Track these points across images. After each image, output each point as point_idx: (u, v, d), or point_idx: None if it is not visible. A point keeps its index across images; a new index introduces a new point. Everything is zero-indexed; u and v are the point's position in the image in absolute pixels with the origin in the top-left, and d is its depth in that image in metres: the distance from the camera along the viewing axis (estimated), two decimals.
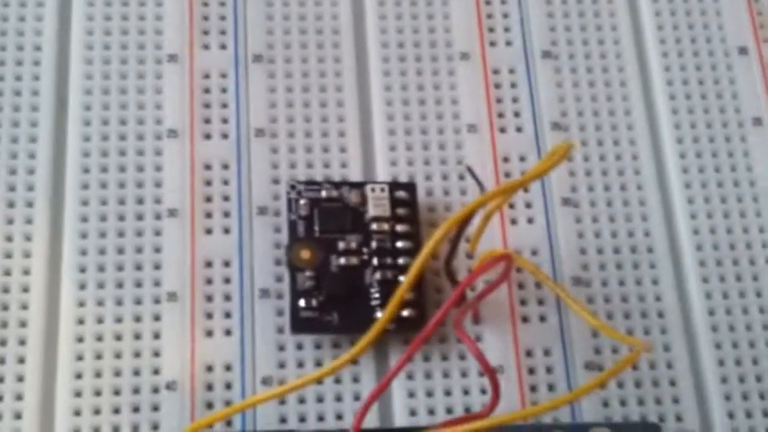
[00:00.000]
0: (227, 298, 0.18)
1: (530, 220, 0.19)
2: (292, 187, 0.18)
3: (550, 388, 0.18)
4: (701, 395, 0.18)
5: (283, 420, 0.17)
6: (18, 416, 0.17)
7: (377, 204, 0.18)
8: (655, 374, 0.18)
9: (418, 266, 0.15)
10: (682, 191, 0.20)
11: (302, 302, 0.18)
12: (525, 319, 0.18)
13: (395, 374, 0.16)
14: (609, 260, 0.19)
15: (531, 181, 0.17)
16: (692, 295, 0.19)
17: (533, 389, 0.18)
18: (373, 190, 0.18)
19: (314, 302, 0.18)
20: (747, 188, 0.20)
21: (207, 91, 0.19)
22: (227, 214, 0.19)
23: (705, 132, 0.20)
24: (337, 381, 0.18)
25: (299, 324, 0.17)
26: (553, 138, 0.20)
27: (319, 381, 0.17)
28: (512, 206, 0.19)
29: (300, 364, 0.18)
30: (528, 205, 0.19)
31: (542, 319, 0.18)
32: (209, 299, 0.18)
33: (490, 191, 0.17)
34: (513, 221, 0.19)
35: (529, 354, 0.18)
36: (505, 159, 0.19)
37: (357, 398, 0.17)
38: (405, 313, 0.18)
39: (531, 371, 0.18)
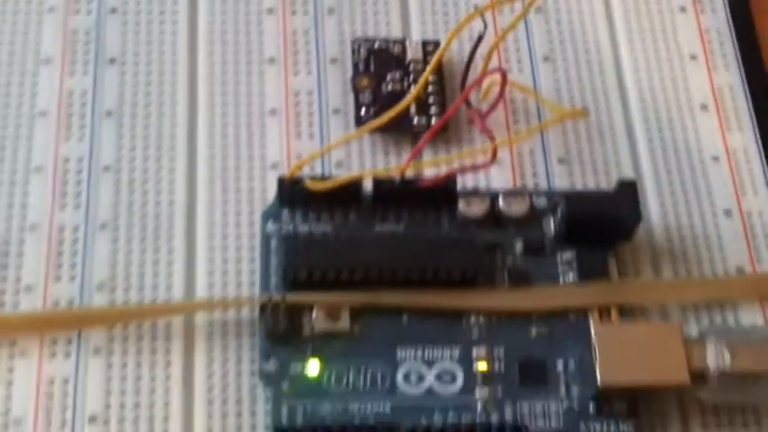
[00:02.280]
0: None
1: None
2: None
3: (534, 175, 0.26)
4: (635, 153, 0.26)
5: None
6: None
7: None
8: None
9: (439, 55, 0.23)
10: None
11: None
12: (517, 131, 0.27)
13: (421, 147, 0.24)
14: None
15: None
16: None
17: (522, 176, 0.26)
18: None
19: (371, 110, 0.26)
20: None
21: None
22: None
23: None
24: None
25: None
26: None
27: None
28: None
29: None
30: None
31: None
32: None
33: None
34: None
35: (519, 153, 0.26)
36: None
37: None
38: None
39: (521, 164, 0.26)
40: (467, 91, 0.25)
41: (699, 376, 0.22)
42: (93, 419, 0.23)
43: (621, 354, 0.22)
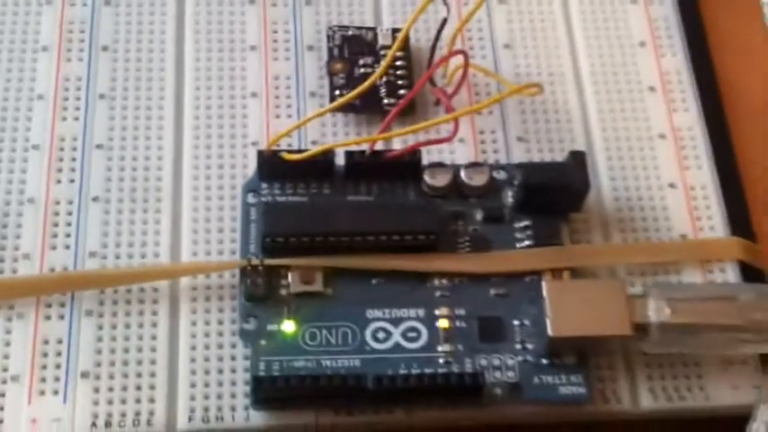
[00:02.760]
0: None
1: None
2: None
3: (495, 152, 0.28)
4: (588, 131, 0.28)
5: None
6: None
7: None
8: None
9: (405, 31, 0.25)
10: None
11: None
12: (480, 113, 0.28)
13: (390, 121, 0.26)
14: None
15: None
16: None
17: (484, 152, 0.28)
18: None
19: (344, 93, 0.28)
20: None
21: None
22: None
23: None
24: None
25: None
26: None
27: None
28: None
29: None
30: None
31: (491, 112, 0.28)
32: None
33: None
34: None
35: (481, 132, 0.28)
36: None
37: None
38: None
39: (483, 141, 0.28)
40: (432, 69, 0.27)
41: (641, 329, 0.24)
42: (84, 375, 0.25)
43: (570, 308, 0.24)
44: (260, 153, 0.27)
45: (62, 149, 0.28)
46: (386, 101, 0.28)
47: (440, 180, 0.27)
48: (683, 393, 0.25)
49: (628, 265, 0.27)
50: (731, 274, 0.27)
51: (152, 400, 0.25)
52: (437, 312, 0.25)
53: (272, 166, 0.27)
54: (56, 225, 0.27)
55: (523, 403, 0.25)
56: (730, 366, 0.26)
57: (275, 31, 0.30)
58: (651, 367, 0.26)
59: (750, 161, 0.29)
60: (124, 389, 0.25)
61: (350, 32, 0.29)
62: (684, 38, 0.30)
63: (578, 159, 0.26)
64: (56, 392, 0.25)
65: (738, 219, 0.28)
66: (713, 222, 0.28)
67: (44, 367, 0.25)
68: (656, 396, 0.25)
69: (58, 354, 0.25)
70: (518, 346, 0.25)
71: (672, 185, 0.28)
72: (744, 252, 0.27)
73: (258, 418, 0.25)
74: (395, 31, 0.29)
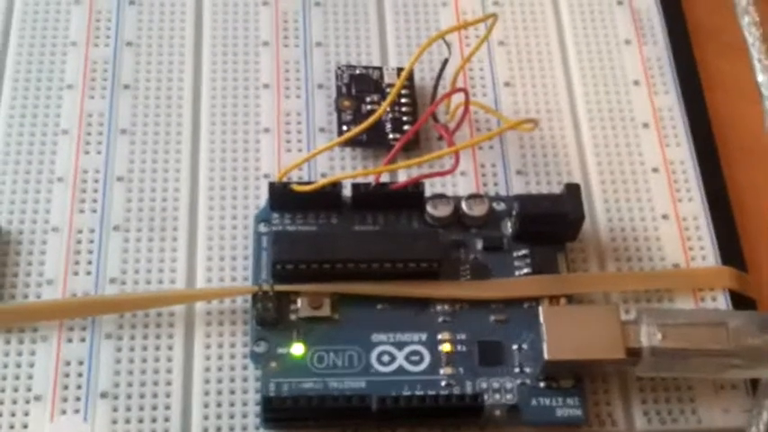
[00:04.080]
0: None
1: None
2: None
3: (496, 184, 0.29)
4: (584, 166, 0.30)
5: None
6: None
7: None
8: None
9: (408, 68, 0.27)
10: None
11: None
12: (481, 147, 0.30)
13: (394, 154, 0.27)
14: None
15: None
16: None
17: (485, 184, 0.29)
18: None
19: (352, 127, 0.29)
20: None
21: None
22: None
23: None
24: None
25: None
26: None
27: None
28: None
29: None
30: None
31: (491, 147, 0.30)
32: None
33: None
34: None
35: (482, 165, 0.30)
36: None
37: None
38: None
39: (484, 174, 0.29)
40: (434, 105, 0.28)
41: (634, 353, 0.25)
42: (104, 395, 0.26)
43: (566, 333, 0.25)
44: (271, 185, 0.28)
45: (85, 181, 0.29)
46: (391, 135, 0.30)
47: (442, 211, 0.28)
48: (675, 416, 0.26)
49: (622, 293, 0.28)
50: (722, 303, 0.28)
51: (167, 420, 0.26)
52: (439, 337, 0.27)
53: (282, 197, 0.28)
54: (78, 253, 0.28)
55: (522, 425, 0.26)
56: (721, 390, 0.27)
57: (287, 71, 0.31)
58: (645, 390, 0.27)
59: (740, 193, 0.30)
60: (141, 408, 0.26)
61: (357, 71, 0.31)
62: (677, 76, 0.31)
63: (573, 191, 0.27)
64: (77, 411, 0.26)
65: (729, 249, 0.29)
66: (705, 252, 0.29)
67: (66, 387, 0.26)
68: (649, 418, 0.26)
69: (80, 375, 0.26)
70: (517, 370, 0.26)
71: (665, 217, 0.29)
72: (734, 281, 0.28)
73: None
74: (400, 69, 0.31)
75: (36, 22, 0.31)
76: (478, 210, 0.28)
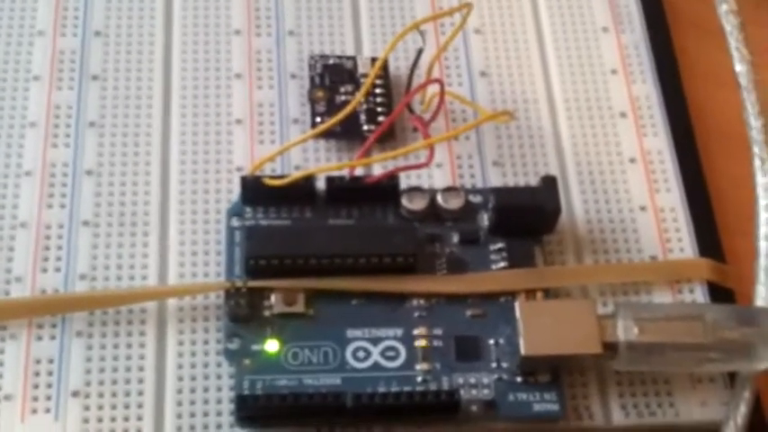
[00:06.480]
0: None
1: None
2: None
3: (472, 176, 0.29)
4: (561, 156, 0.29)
5: None
6: None
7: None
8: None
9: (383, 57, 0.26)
10: None
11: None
12: (457, 139, 0.29)
13: (368, 147, 0.27)
14: None
15: None
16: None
17: (461, 176, 0.29)
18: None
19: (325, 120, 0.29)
20: None
21: None
22: None
23: None
24: None
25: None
26: None
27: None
28: None
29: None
30: None
31: (467, 138, 0.30)
32: None
33: None
34: None
35: (458, 157, 0.29)
36: None
37: None
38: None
39: (460, 166, 0.29)
40: (408, 96, 0.28)
41: (611, 347, 0.25)
42: (75, 394, 0.26)
43: (542, 328, 0.25)
44: (243, 179, 0.27)
45: (53, 175, 0.28)
46: (365, 127, 0.29)
47: (417, 204, 0.27)
48: (653, 409, 0.26)
49: (600, 286, 0.28)
50: (700, 295, 0.28)
51: (140, 418, 0.25)
52: (415, 332, 0.26)
53: (255, 190, 0.27)
54: (47, 249, 0.27)
55: (499, 420, 0.26)
56: (699, 384, 0.26)
57: (259, 60, 0.31)
58: (623, 384, 0.26)
59: (719, 183, 0.30)
60: (113, 407, 0.26)
61: (331, 61, 0.30)
62: (654, 65, 0.31)
63: (549, 183, 0.27)
64: (47, 411, 0.25)
65: (707, 240, 0.29)
66: (683, 244, 0.28)
67: (36, 386, 0.26)
68: (627, 412, 0.26)
69: (50, 373, 0.26)
70: (493, 365, 0.26)
71: (642, 208, 0.29)
72: (712, 273, 0.28)
73: None
74: (374, 59, 0.30)
75: (2, 11, 0.31)
76: (454, 203, 0.27)
